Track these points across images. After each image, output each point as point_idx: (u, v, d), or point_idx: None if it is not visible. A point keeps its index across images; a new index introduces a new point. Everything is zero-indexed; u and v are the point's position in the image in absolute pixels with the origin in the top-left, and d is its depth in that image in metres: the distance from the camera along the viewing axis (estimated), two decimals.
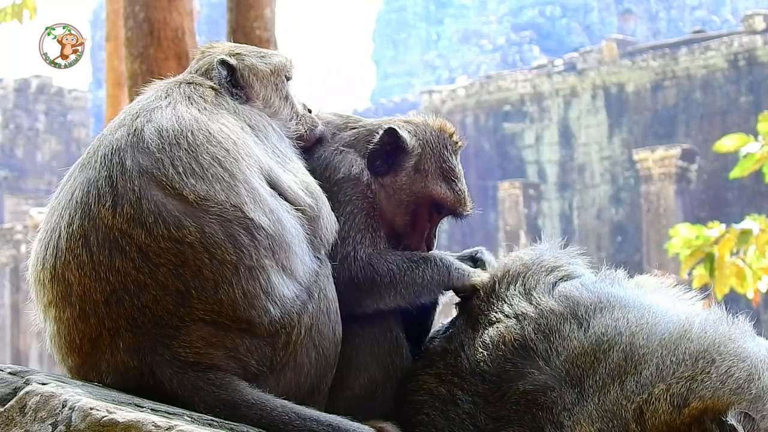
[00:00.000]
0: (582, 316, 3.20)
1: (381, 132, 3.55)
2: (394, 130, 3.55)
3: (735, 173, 11.27)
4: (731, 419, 2.85)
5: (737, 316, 3.24)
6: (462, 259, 3.66)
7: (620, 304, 3.23)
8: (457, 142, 3.67)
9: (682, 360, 3.03)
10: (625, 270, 3.54)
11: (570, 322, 3.18)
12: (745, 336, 3.17)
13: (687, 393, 2.95)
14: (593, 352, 3.09)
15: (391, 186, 3.55)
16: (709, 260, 10.91)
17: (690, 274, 11.52)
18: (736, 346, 3.09)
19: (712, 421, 2.88)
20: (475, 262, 3.63)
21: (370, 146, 3.55)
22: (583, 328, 3.16)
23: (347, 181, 3.49)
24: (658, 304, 3.29)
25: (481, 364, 3.22)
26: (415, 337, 3.51)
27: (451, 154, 3.63)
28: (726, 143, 11.17)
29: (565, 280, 3.36)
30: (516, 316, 3.26)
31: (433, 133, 3.64)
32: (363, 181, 3.51)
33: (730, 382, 2.98)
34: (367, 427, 3.11)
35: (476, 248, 3.72)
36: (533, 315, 3.23)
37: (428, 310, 3.54)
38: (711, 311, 3.23)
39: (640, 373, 3.01)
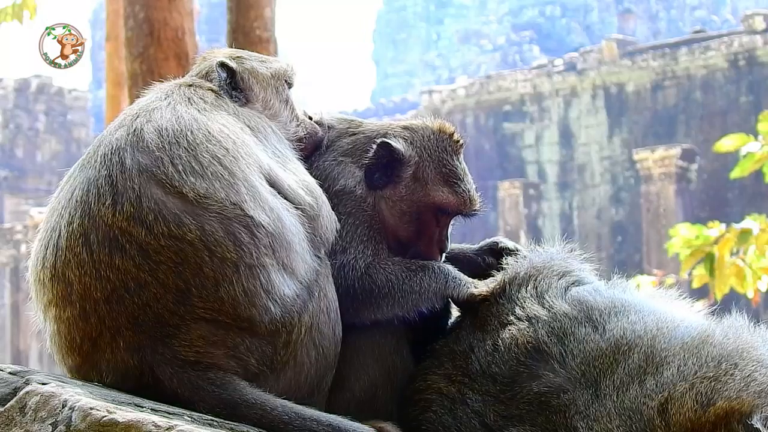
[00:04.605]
0: (597, 319, 3.21)
1: (375, 146, 3.52)
2: (388, 143, 3.52)
3: (735, 173, 11.27)
4: (757, 423, 2.86)
5: (759, 325, 3.25)
6: (481, 250, 3.63)
7: (635, 309, 3.24)
8: (458, 141, 3.63)
9: (705, 363, 3.04)
10: (625, 270, 3.55)
11: (585, 326, 3.19)
12: (767, 344, 3.18)
13: (711, 393, 2.96)
14: (612, 353, 3.10)
15: (391, 197, 3.52)
16: (709, 260, 10.91)
17: (690, 274, 11.52)
18: (758, 353, 3.11)
19: (738, 422, 2.88)
20: (497, 253, 3.60)
21: (366, 160, 3.53)
22: (599, 332, 3.17)
23: (345, 194, 3.47)
24: (673, 311, 3.32)
25: (493, 366, 3.22)
26: (427, 337, 3.49)
27: (451, 156, 3.59)
28: (726, 143, 11.17)
29: (577, 285, 3.37)
30: (528, 319, 3.26)
31: (432, 137, 3.60)
32: (359, 194, 3.49)
33: (754, 385, 2.99)
34: (367, 428, 3.11)
35: (495, 238, 3.68)
36: (546, 318, 3.24)
37: (443, 312, 3.51)
38: (732, 319, 3.24)
39: (662, 374, 3.03)
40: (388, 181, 3.53)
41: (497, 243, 3.67)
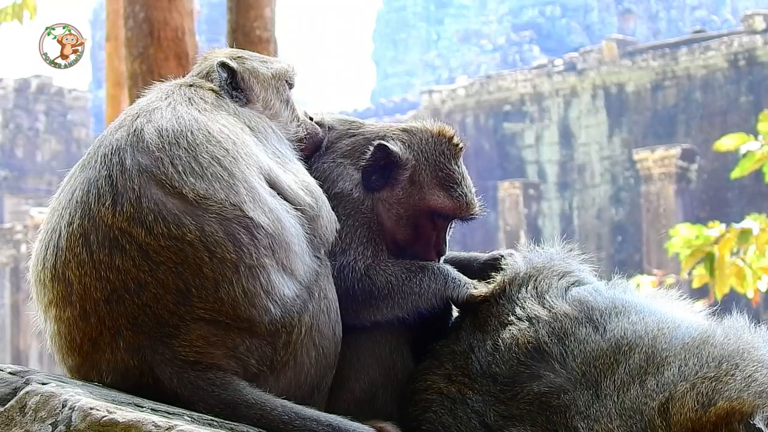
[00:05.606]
0: (597, 320, 3.21)
1: (372, 148, 3.52)
2: (385, 145, 3.52)
3: (735, 173, 11.28)
4: (759, 422, 2.86)
5: (760, 325, 3.26)
6: (485, 261, 3.62)
7: (635, 309, 3.25)
8: (457, 145, 3.61)
9: (706, 363, 3.04)
10: (625, 270, 3.55)
11: (585, 326, 3.19)
12: (767, 344, 3.18)
13: (712, 393, 2.96)
14: (612, 353, 3.11)
15: (388, 200, 3.52)
16: (709, 260, 10.92)
17: (690, 274, 11.53)
18: (759, 353, 3.11)
19: (739, 423, 2.88)
20: (496, 266, 3.57)
21: (363, 162, 3.53)
22: (599, 332, 3.17)
23: (344, 197, 3.47)
24: (674, 311, 3.32)
25: (493, 366, 3.23)
26: (427, 338, 3.48)
27: (449, 160, 3.58)
28: (726, 142, 11.18)
29: (577, 285, 3.37)
30: (529, 319, 3.26)
31: (430, 140, 3.59)
32: (357, 197, 3.48)
33: (755, 386, 2.99)
34: (367, 427, 3.11)
35: (506, 251, 3.64)
36: (547, 318, 3.24)
37: (443, 312, 3.51)
38: (733, 320, 3.24)
39: (662, 374, 3.03)
40: (385, 183, 3.53)
41: (502, 255, 3.61)
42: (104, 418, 2.69)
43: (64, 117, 51.31)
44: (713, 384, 2.98)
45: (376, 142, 3.53)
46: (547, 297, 3.32)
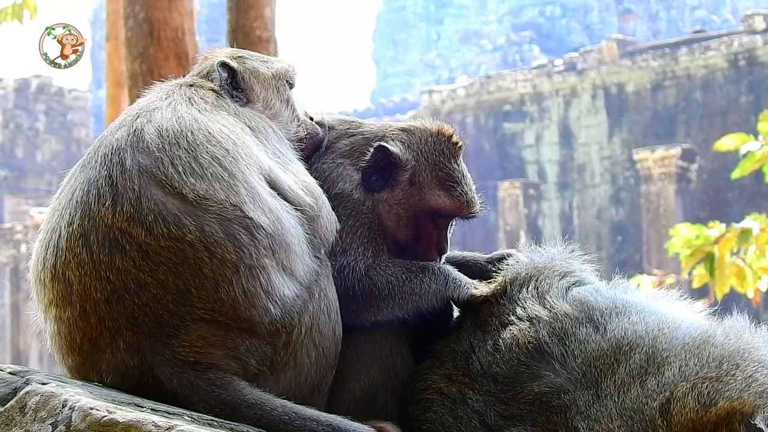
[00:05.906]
0: (598, 320, 3.21)
1: (372, 149, 3.52)
2: (385, 147, 3.51)
3: (736, 174, 11.28)
4: (760, 423, 2.86)
5: (760, 326, 3.26)
6: (493, 260, 3.62)
7: (636, 309, 3.25)
8: (456, 144, 3.61)
9: (706, 363, 3.04)
10: (625, 270, 3.55)
11: (586, 326, 3.20)
12: None
13: (713, 393, 2.97)
14: (613, 353, 3.11)
15: (388, 201, 3.51)
16: (709, 260, 10.92)
17: (690, 274, 11.53)
18: (760, 354, 3.11)
19: (740, 423, 2.89)
20: (497, 266, 3.57)
21: (363, 163, 3.52)
22: (600, 332, 3.18)
23: (344, 197, 3.47)
24: (674, 311, 3.32)
25: (494, 366, 3.23)
26: (428, 338, 3.48)
27: (448, 159, 3.57)
28: (726, 142, 11.18)
29: (578, 286, 3.37)
30: (529, 319, 3.26)
31: (429, 139, 3.58)
32: (357, 198, 3.48)
33: (756, 386, 2.99)
34: (367, 427, 3.11)
35: (509, 251, 3.65)
36: (547, 318, 3.24)
37: (444, 312, 3.50)
38: (733, 320, 3.24)
39: (663, 374, 3.03)
40: (385, 184, 3.52)
41: (510, 254, 3.63)
42: (104, 418, 2.69)
43: (64, 117, 51.31)
44: (714, 384, 2.98)
45: (375, 143, 3.53)
46: (548, 297, 3.32)
